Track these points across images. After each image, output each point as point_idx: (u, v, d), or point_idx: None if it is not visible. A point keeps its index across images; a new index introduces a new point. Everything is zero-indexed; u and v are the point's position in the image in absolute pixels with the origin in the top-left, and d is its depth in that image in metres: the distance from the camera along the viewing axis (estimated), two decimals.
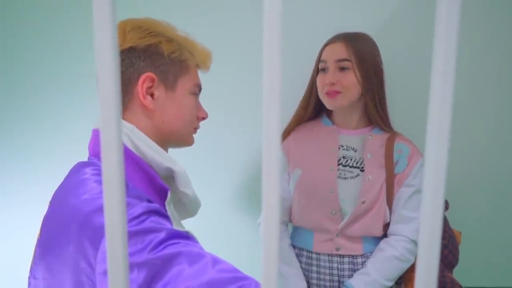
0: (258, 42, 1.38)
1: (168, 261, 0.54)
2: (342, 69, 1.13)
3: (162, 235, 0.56)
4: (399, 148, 1.16)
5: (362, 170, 1.16)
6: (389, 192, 1.14)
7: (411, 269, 1.21)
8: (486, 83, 1.35)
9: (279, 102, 0.20)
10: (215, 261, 0.54)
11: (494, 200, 1.40)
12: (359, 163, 1.17)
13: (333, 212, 1.15)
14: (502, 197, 1.39)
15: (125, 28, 0.71)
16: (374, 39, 1.18)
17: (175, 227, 0.63)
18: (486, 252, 1.41)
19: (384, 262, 1.12)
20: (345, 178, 1.17)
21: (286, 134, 1.27)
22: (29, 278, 0.71)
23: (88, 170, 0.67)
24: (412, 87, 1.38)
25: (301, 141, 1.23)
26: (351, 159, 1.18)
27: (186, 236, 0.60)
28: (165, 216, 0.63)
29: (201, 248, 0.58)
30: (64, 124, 1.51)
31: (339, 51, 1.13)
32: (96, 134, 0.73)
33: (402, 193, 1.14)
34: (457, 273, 1.38)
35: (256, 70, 1.40)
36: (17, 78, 1.53)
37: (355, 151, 1.19)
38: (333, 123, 1.24)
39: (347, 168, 1.17)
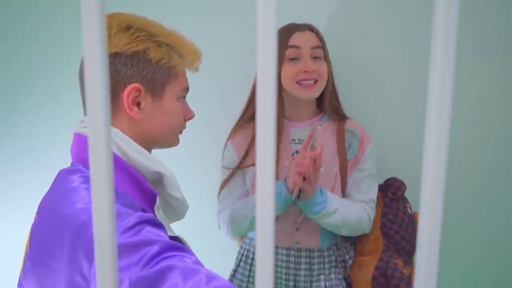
0: (249, 41, 1.37)
1: (161, 276, 0.52)
2: (315, 58, 1.12)
3: (156, 248, 0.55)
4: (350, 133, 1.18)
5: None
6: (343, 178, 1.15)
7: (360, 253, 1.23)
8: (486, 82, 1.34)
9: (273, 101, 0.19)
10: (210, 277, 0.52)
11: (492, 200, 1.38)
12: None
13: (291, 207, 1.14)
14: (500, 197, 1.37)
15: (110, 30, 0.67)
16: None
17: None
18: (483, 254, 1.40)
19: (348, 203, 1.13)
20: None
21: (233, 132, 1.23)
22: None
23: (76, 178, 0.65)
24: (410, 84, 1.36)
25: (252, 138, 1.19)
26: None
27: (180, 248, 0.58)
28: (159, 225, 0.61)
29: (196, 262, 0.57)
30: (59, 130, 1.49)
31: (312, 38, 1.13)
32: (78, 139, 0.70)
33: (355, 178, 1.16)
34: (452, 275, 1.37)
35: (246, 68, 1.39)
36: (11, 82, 1.51)
37: None
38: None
39: None
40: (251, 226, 1.14)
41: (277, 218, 1.15)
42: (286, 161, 1.16)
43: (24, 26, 1.49)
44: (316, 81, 1.11)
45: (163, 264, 0.53)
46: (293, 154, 1.17)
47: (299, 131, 1.19)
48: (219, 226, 1.23)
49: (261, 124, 0.20)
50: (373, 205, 1.16)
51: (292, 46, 1.11)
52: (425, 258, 0.19)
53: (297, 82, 1.11)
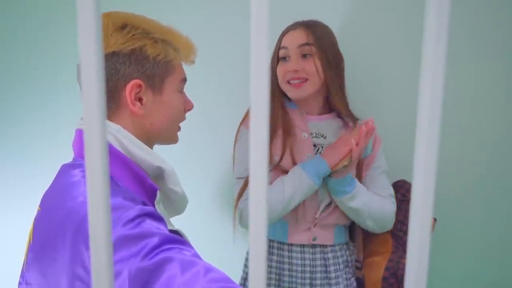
0: (245, 39, 1.37)
1: (160, 267, 0.53)
2: (304, 56, 1.11)
3: (156, 240, 0.56)
4: None
5: None
6: (359, 176, 1.16)
7: (370, 254, 1.23)
8: (486, 82, 1.33)
9: (267, 100, 0.20)
10: (207, 269, 0.54)
11: (491, 200, 1.38)
12: None
13: (311, 200, 1.13)
14: (499, 197, 1.37)
15: (107, 30, 0.68)
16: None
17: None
18: (481, 254, 1.40)
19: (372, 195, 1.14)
20: None
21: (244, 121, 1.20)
22: (20, 284, 0.70)
23: (77, 172, 0.67)
24: (405, 82, 1.36)
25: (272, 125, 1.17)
26: (322, 147, 1.16)
27: (180, 241, 0.59)
28: (159, 218, 0.63)
29: (195, 254, 0.58)
30: (58, 130, 1.49)
31: (300, 36, 1.11)
32: (80, 134, 0.72)
33: (371, 176, 1.17)
34: (450, 275, 1.37)
35: (244, 65, 1.38)
36: (11, 82, 1.51)
37: (325, 137, 1.17)
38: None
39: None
40: (284, 211, 1.10)
41: (296, 213, 1.15)
42: (308, 152, 1.14)
43: (24, 26, 1.49)
44: (305, 80, 1.10)
45: (162, 255, 0.54)
46: (315, 145, 1.16)
47: (315, 124, 1.17)
48: (240, 219, 1.15)
49: (254, 121, 0.20)
50: (394, 200, 1.17)
51: (282, 47, 1.13)
52: (416, 258, 0.19)
53: (288, 82, 1.12)
